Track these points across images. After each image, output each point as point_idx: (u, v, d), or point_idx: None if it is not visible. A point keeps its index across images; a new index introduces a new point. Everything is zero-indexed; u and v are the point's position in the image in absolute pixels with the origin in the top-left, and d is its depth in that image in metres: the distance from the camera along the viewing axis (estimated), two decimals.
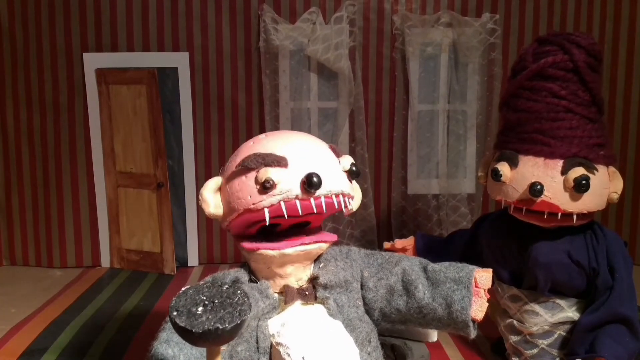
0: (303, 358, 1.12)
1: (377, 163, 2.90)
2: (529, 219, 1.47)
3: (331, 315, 1.24)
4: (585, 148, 1.42)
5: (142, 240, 2.76)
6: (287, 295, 1.24)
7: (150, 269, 2.76)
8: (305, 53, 2.72)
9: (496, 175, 1.47)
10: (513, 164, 1.47)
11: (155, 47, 2.73)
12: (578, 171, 1.37)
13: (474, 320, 1.24)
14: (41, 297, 2.35)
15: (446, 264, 1.32)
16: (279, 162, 1.16)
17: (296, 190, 1.15)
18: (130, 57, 2.71)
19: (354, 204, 1.33)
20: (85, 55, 2.71)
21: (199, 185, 2.81)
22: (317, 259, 1.31)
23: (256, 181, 1.16)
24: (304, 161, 1.18)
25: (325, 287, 1.26)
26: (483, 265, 1.46)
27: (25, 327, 2.00)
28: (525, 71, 1.48)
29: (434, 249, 1.89)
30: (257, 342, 1.18)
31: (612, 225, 2.86)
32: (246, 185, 1.18)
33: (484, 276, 1.26)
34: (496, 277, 1.67)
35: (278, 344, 1.15)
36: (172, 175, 2.75)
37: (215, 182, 1.27)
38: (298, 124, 2.77)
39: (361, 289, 1.33)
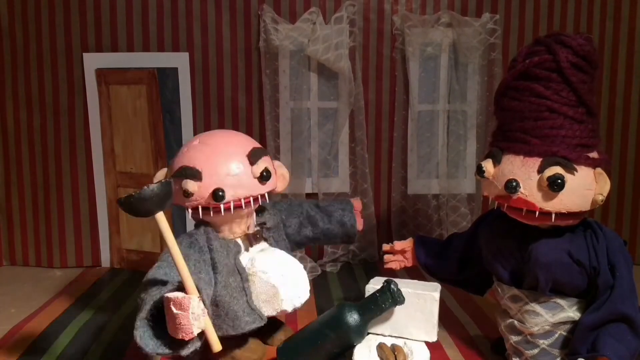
0: (282, 275, 1.58)
1: (377, 163, 2.90)
2: (511, 214, 1.51)
3: (273, 247, 1.72)
4: (566, 148, 1.42)
5: (142, 241, 2.76)
6: (247, 238, 1.68)
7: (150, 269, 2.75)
8: (306, 53, 2.72)
9: (479, 171, 1.53)
10: (497, 160, 1.51)
11: (155, 47, 2.74)
12: (553, 170, 1.39)
13: (360, 231, 1.93)
14: (41, 297, 2.35)
15: (329, 200, 2.00)
16: (195, 176, 1.52)
17: (208, 199, 1.53)
18: (130, 57, 2.71)
19: (280, 186, 1.74)
20: (85, 56, 2.71)
21: None
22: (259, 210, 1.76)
23: (180, 187, 1.53)
24: (215, 176, 1.53)
25: (268, 229, 1.75)
26: (482, 265, 1.49)
27: (26, 327, 2.00)
28: (512, 71, 1.52)
29: (433, 250, 1.90)
30: (240, 275, 1.58)
31: (612, 225, 2.86)
32: (177, 189, 1.54)
33: (357, 203, 1.96)
34: (496, 278, 1.67)
35: (254, 273, 1.59)
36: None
37: (162, 172, 1.65)
38: (298, 124, 2.77)
39: (283, 226, 1.84)
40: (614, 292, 1.43)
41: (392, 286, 1.55)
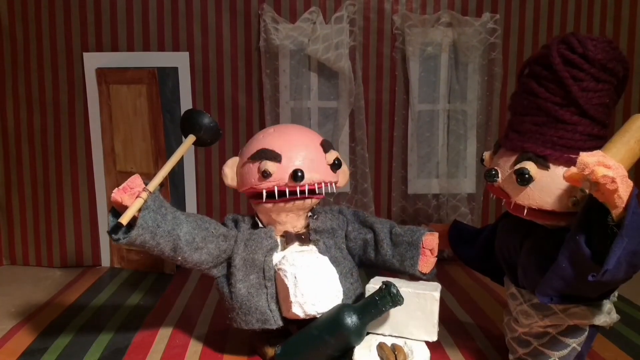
0: (295, 277, 1.56)
1: (377, 163, 2.90)
2: (514, 213, 1.51)
3: (321, 253, 1.67)
4: (541, 145, 1.41)
5: None
6: (287, 237, 1.68)
7: (150, 269, 2.76)
8: (306, 53, 2.72)
9: (481, 161, 1.62)
10: (494, 152, 1.57)
11: (156, 46, 2.74)
12: (523, 164, 1.41)
13: (423, 273, 1.69)
14: (41, 297, 2.35)
15: (406, 227, 1.74)
16: (275, 158, 1.60)
17: (286, 179, 1.60)
18: (131, 56, 2.71)
19: (341, 181, 1.75)
20: (86, 55, 2.71)
21: (199, 185, 2.83)
22: (313, 211, 1.74)
23: (258, 170, 1.61)
24: (294, 159, 1.61)
25: (316, 231, 1.69)
26: (494, 261, 1.68)
27: (26, 326, 2.00)
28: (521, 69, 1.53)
29: (464, 237, 1.95)
30: (263, 272, 1.63)
31: None
32: (252, 171, 1.63)
33: (429, 239, 1.68)
34: (505, 273, 1.70)
35: (279, 269, 1.60)
36: (172, 174, 2.75)
37: (233, 161, 1.73)
38: (298, 124, 2.76)
39: (345, 238, 1.78)
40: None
41: (392, 289, 1.55)
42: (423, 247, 1.68)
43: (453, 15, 2.75)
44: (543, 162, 1.40)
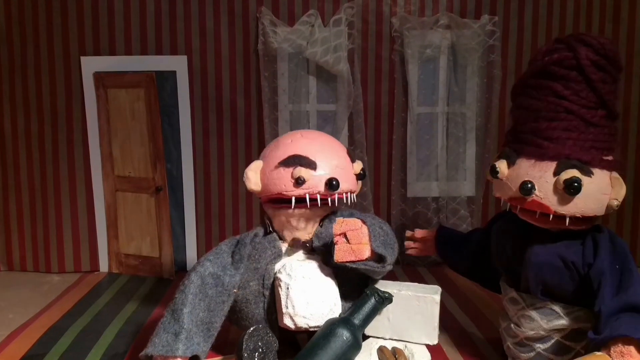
0: (288, 287, 1.53)
1: (377, 166, 2.89)
2: (524, 217, 1.49)
3: (325, 262, 1.61)
4: (580, 151, 1.38)
5: (141, 245, 2.75)
6: (294, 245, 1.66)
7: (149, 274, 2.74)
8: (304, 56, 2.72)
9: (493, 172, 1.50)
10: (511, 161, 1.48)
11: (154, 50, 2.73)
12: (570, 173, 1.35)
13: (336, 262, 1.50)
14: (39, 303, 2.34)
15: None
16: (310, 165, 1.58)
17: (319, 187, 1.58)
18: (128, 60, 2.71)
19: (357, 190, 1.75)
20: (83, 59, 2.70)
21: (198, 189, 2.81)
22: (324, 219, 1.69)
23: (292, 176, 1.57)
24: (328, 167, 1.60)
25: (320, 239, 1.64)
26: (491, 265, 1.65)
27: (24, 332, 1.99)
28: (530, 68, 1.48)
29: (452, 242, 1.93)
30: (263, 280, 1.61)
31: (612, 227, 2.85)
32: (283, 177, 1.59)
33: (337, 224, 1.52)
34: (503, 279, 1.68)
35: (276, 277, 1.59)
36: (170, 179, 2.74)
37: (257, 165, 1.67)
38: (297, 127, 2.76)
39: None
40: (627, 287, 1.37)
41: (377, 291, 1.54)
42: (335, 235, 1.52)
43: (451, 17, 2.75)
44: (587, 168, 1.36)
